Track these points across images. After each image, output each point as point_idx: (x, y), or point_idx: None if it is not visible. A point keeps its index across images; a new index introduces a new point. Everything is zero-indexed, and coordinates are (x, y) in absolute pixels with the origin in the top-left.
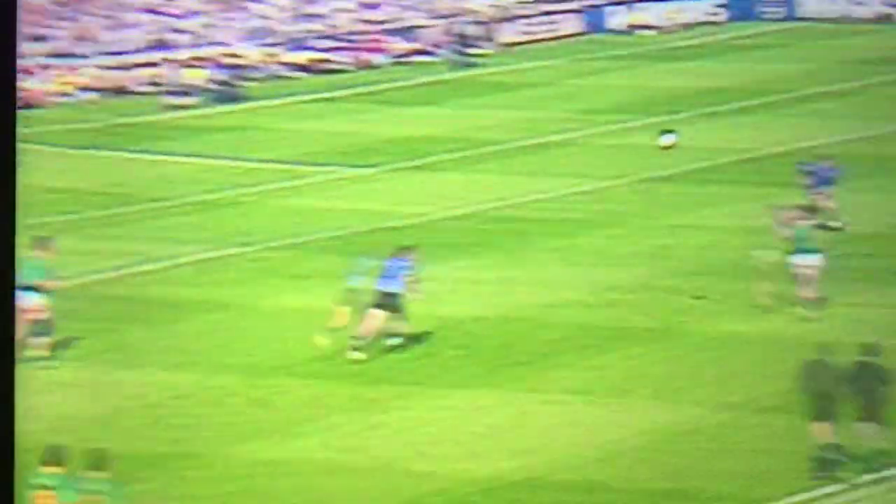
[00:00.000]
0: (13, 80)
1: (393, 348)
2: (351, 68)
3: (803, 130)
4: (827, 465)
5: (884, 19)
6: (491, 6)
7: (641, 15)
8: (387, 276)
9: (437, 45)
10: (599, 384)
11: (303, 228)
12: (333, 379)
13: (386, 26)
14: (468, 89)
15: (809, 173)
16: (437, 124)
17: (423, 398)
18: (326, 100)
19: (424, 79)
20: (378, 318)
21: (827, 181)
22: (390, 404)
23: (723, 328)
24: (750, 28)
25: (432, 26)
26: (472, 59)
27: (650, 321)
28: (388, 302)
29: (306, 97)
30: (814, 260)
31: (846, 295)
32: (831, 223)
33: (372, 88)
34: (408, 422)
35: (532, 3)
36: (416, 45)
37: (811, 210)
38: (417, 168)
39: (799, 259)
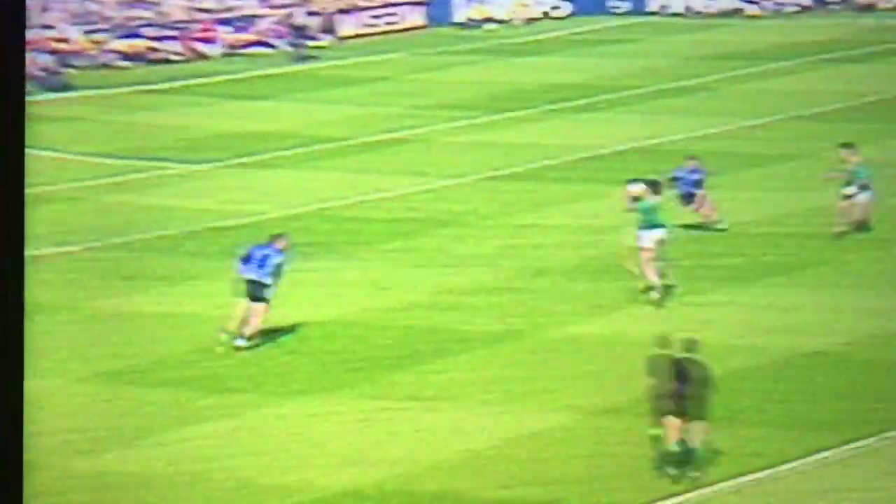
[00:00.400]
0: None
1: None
2: (182, 59)
3: (652, 128)
4: (672, 465)
5: (731, 13)
6: None
7: (487, 8)
8: (252, 264)
9: (274, 37)
10: (442, 390)
11: (130, 227)
12: (177, 386)
13: (219, 15)
14: (306, 83)
15: (675, 180)
16: (274, 119)
17: (251, 407)
18: (156, 91)
19: (260, 72)
20: (245, 308)
21: (694, 184)
22: (216, 413)
23: (568, 330)
24: (596, 22)
25: (269, 16)
26: (311, 52)
27: (493, 324)
28: (256, 291)
29: (135, 88)
30: (657, 234)
31: (697, 293)
32: (718, 225)
33: (204, 80)
34: (238, 431)
35: None
36: (252, 36)
37: (654, 185)
38: (251, 165)
39: (643, 233)
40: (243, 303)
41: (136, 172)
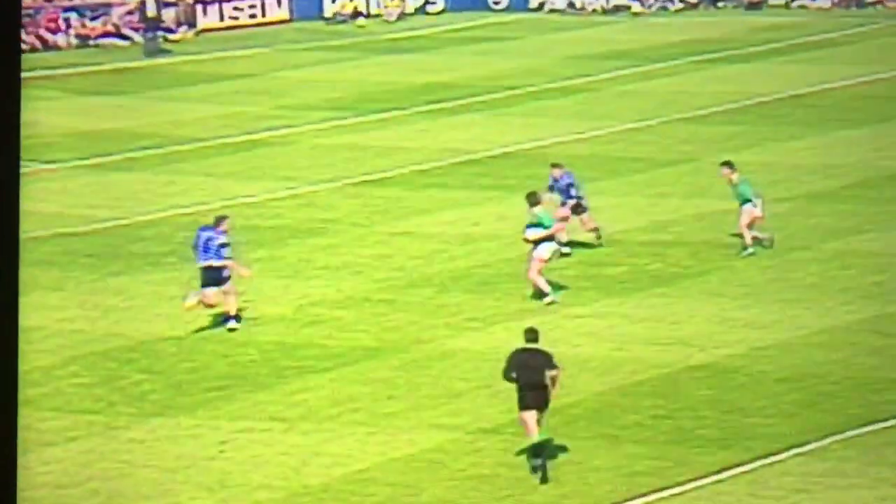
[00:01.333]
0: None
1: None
2: (27, 48)
3: (531, 131)
4: (534, 456)
5: (616, 10)
6: None
7: (356, 2)
8: (203, 249)
9: (128, 28)
10: (307, 410)
11: None
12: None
13: (69, 3)
14: (162, 79)
15: (552, 188)
16: (128, 117)
17: (100, 429)
18: None
19: (113, 65)
20: (212, 297)
21: (567, 190)
22: (61, 436)
23: (442, 345)
24: (473, 19)
25: (122, 5)
26: (168, 46)
27: (363, 339)
28: (213, 276)
29: None
30: (549, 245)
31: (578, 305)
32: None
33: (52, 73)
34: (88, 455)
35: None
36: (104, 27)
37: (531, 196)
38: (103, 166)
39: (538, 245)
40: (208, 292)
41: None
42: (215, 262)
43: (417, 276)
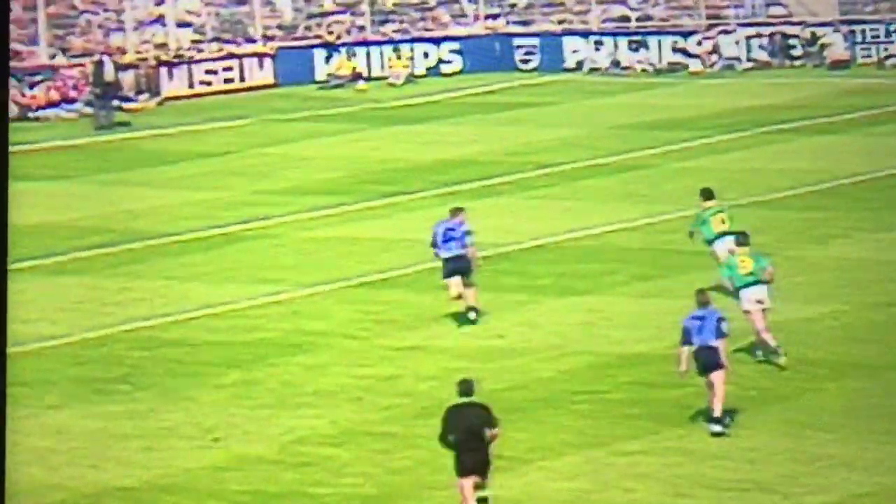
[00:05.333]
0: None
1: None
2: None
3: (567, 219)
4: None
5: (669, 70)
6: (150, 43)
7: (355, 62)
8: (445, 239)
9: (77, 96)
10: None
11: None
12: None
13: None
14: (118, 159)
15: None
16: (74, 207)
17: None
18: None
19: (55, 142)
20: (456, 287)
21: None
22: None
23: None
24: (497, 81)
25: (71, 67)
26: (124, 118)
27: (361, 485)
28: (457, 266)
29: None
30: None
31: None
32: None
33: None
34: None
35: (209, 41)
36: (47, 95)
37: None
38: (42, 269)
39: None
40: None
41: None
42: (458, 251)
43: (430, 402)
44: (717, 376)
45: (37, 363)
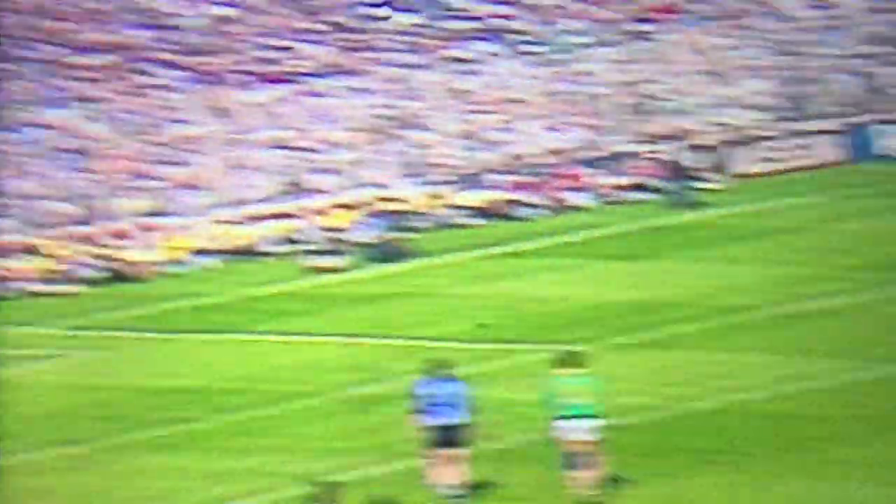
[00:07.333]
0: None
1: None
2: (545, 213)
3: None
4: None
5: None
6: (715, 125)
7: None
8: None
9: (652, 179)
10: None
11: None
12: None
13: (580, 155)
14: (695, 237)
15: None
16: (664, 286)
17: None
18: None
19: (630, 225)
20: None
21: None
22: None
23: None
24: None
25: (642, 153)
26: (698, 197)
27: None
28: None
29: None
30: None
31: None
32: None
33: (568, 239)
34: None
35: (774, 120)
36: (625, 180)
37: None
38: (646, 345)
39: None
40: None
41: (494, 360)
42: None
43: None
44: None
45: None
